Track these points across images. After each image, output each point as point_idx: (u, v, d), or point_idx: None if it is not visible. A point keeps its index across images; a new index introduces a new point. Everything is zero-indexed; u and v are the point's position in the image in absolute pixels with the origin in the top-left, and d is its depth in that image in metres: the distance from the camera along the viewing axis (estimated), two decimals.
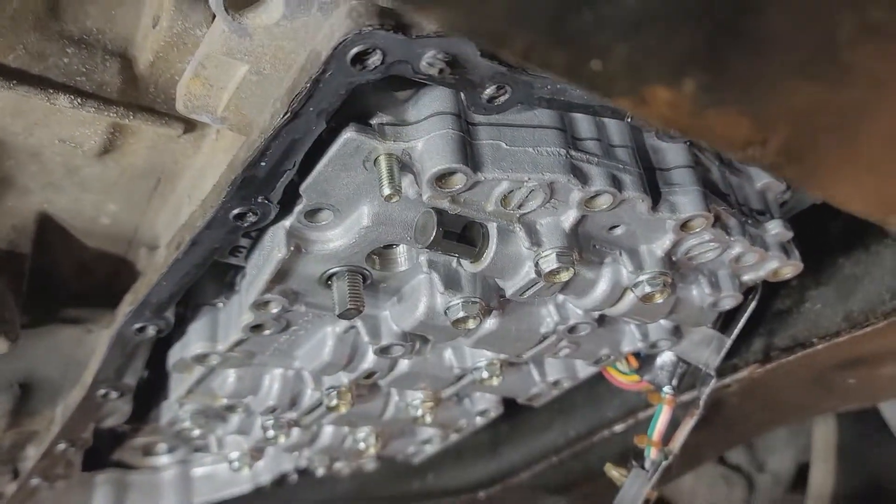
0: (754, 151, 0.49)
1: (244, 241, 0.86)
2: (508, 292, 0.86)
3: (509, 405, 1.32)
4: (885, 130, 0.46)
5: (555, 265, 0.79)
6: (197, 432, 1.11)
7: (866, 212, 0.57)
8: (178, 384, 1.06)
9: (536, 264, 0.80)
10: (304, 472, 1.50)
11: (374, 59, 0.62)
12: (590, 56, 0.40)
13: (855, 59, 0.41)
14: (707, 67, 0.41)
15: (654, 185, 0.83)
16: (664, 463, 1.04)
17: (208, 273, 0.91)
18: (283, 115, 0.66)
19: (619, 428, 1.28)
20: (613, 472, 1.08)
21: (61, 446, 1.12)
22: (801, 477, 2.39)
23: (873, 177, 0.51)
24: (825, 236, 1.16)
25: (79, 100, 0.78)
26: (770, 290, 1.20)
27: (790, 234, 0.95)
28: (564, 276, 0.80)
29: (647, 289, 0.86)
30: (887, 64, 0.42)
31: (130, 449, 1.43)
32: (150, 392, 1.23)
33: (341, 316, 0.84)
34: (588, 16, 0.38)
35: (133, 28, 0.84)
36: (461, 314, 0.85)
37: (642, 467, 1.06)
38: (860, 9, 0.40)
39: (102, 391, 1.00)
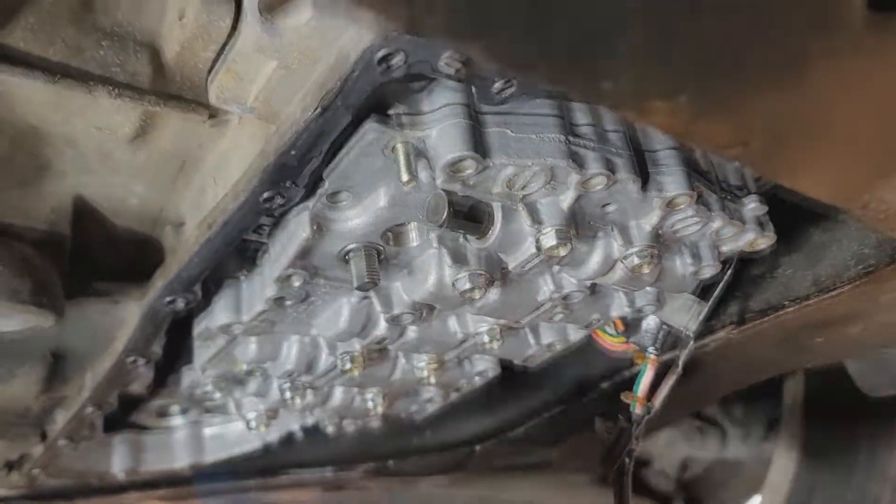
0: (737, 152, 0.57)
1: (266, 220, 0.94)
2: (511, 265, 0.94)
3: (504, 367, 1.41)
4: (839, 136, 0.55)
5: (554, 241, 0.87)
6: (217, 395, 1.19)
7: (830, 199, 0.65)
8: (203, 352, 1.14)
9: (537, 241, 0.88)
10: (309, 430, 1.59)
11: (398, 61, 0.69)
12: (602, 78, 0.48)
13: (811, 79, 0.50)
14: (697, 85, 0.50)
15: (643, 167, 0.91)
16: (647, 417, 1.15)
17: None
18: (314, 110, 0.73)
19: (605, 385, 1.39)
20: (602, 426, 1.18)
21: (89, 410, 1.20)
22: (771, 429, 2.54)
23: (833, 172, 0.60)
24: (798, 207, 1.25)
25: (116, 90, 0.83)
26: (747, 257, 1.29)
27: (765, 209, 1.03)
28: (563, 251, 0.89)
29: (636, 261, 0.95)
30: (837, 83, 0.50)
31: (146, 412, 1.51)
32: (169, 360, 1.31)
33: (359, 289, 0.92)
34: (602, 49, 0.46)
35: (160, 20, 0.89)
36: (468, 286, 0.93)
37: (628, 420, 1.16)
38: (822, 36, 0.49)
39: (132, 359, 1.08)
